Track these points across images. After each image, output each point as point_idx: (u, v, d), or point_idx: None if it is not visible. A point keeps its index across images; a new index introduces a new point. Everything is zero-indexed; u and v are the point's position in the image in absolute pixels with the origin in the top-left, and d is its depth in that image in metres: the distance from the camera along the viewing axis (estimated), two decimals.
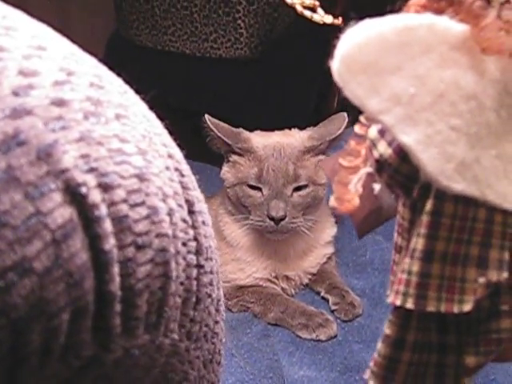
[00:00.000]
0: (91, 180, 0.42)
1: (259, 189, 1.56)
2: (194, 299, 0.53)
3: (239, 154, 1.59)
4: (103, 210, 0.42)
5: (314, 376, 1.43)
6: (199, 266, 0.53)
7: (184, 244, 0.50)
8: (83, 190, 0.41)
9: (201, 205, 0.56)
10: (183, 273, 0.50)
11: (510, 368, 1.53)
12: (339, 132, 1.57)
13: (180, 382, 0.55)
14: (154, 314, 0.47)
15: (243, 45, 2.37)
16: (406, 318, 0.61)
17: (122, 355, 0.46)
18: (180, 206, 0.51)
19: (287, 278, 1.64)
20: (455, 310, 0.59)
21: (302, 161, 1.57)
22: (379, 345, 0.63)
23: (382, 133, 0.61)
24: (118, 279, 0.43)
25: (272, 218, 1.52)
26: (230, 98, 2.36)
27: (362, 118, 0.65)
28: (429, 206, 0.60)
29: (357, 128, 0.65)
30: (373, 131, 0.62)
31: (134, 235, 0.44)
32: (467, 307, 0.59)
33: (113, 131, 0.46)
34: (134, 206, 0.45)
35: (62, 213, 0.40)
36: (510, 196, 0.59)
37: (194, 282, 0.52)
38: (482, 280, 0.59)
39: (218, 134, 1.57)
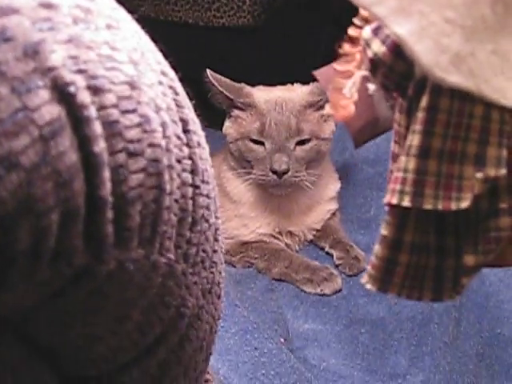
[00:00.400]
0: (80, 80, 0.42)
1: (262, 143, 1.55)
2: (189, 219, 0.52)
3: (241, 109, 1.58)
4: (92, 111, 0.42)
5: (319, 329, 1.43)
6: (195, 187, 0.53)
7: (178, 161, 0.50)
8: (71, 89, 0.41)
9: (196, 126, 0.56)
10: (178, 190, 0.50)
11: None
12: None
13: (178, 308, 0.55)
14: (148, 228, 0.47)
15: (246, 13, 2.35)
16: (402, 218, 0.60)
17: (115, 268, 0.45)
18: (174, 121, 0.51)
19: (291, 233, 1.63)
20: (453, 207, 0.58)
21: (305, 115, 1.56)
22: (376, 247, 0.62)
23: (375, 32, 0.60)
24: (109, 184, 0.42)
25: (275, 172, 1.51)
26: (233, 66, 2.34)
27: (356, 20, 0.64)
28: (424, 101, 0.59)
29: (351, 30, 0.64)
30: (366, 31, 0.61)
31: (125, 141, 0.44)
32: (465, 204, 0.58)
33: (103, 38, 0.46)
34: (125, 112, 0.44)
35: (49, 110, 0.40)
36: (507, 92, 0.58)
37: (190, 202, 0.52)
38: (479, 175, 0.58)
39: (220, 89, 1.56)
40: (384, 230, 0.61)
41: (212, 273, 0.61)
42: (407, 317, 1.46)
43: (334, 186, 1.69)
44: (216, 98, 1.60)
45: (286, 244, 1.62)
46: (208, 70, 1.56)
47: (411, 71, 0.59)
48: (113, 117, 0.43)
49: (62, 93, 0.40)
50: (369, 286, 0.62)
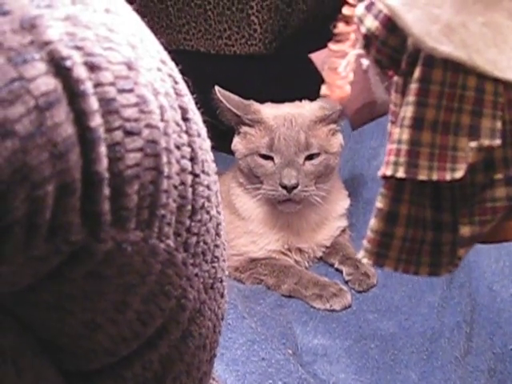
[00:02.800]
0: (77, 56, 0.43)
1: (271, 158, 1.55)
2: (189, 207, 0.53)
3: (249, 125, 1.59)
4: (89, 86, 0.43)
5: (329, 344, 1.42)
6: (195, 175, 0.53)
7: (177, 147, 0.51)
8: (68, 63, 0.42)
9: (197, 118, 0.56)
10: (177, 176, 0.50)
11: None
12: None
13: (179, 299, 0.55)
14: (146, 211, 0.47)
15: (257, 41, 2.37)
16: (398, 191, 0.61)
17: (113, 249, 0.46)
18: (173, 108, 0.51)
19: (300, 250, 1.63)
20: (447, 177, 0.58)
21: (314, 130, 1.57)
22: (372, 221, 0.62)
23: (368, 8, 0.61)
24: (105, 161, 0.43)
25: (284, 187, 1.51)
26: (244, 94, 2.36)
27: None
28: (417, 73, 0.59)
29: (345, 9, 0.65)
30: (360, 8, 0.62)
31: (122, 120, 0.45)
32: (459, 174, 0.58)
33: (101, 20, 0.47)
34: (121, 91, 0.45)
35: (45, 81, 0.40)
36: (499, 64, 0.58)
37: (190, 190, 0.52)
38: (473, 144, 0.58)
39: (228, 106, 1.57)
40: (379, 203, 0.61)
41: (214, 267, 0.61)
42: (417, 332, 1.44)
43: (343, 203, 1.69)
44: (224, 114, 1.61)
45: (296, 261, 1.62)
46: (216, 87, 1.57)
47: (404, 44, 0.60)
48: (109, 94, 0.44)
49: (58, 66, 0.41)
50: (365, 261, 0.62)
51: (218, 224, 0.62)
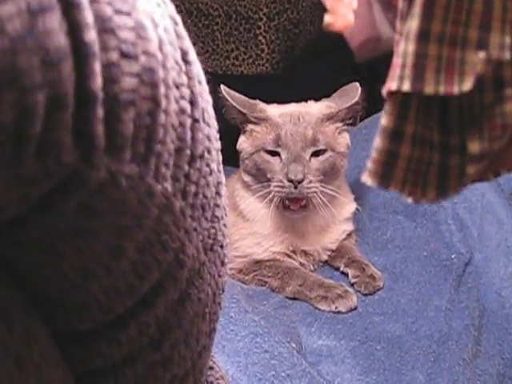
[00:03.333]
0: None
1: (277, 154, 1.54)
2: (188, 152, 0.52)
3: (255, 123, 1.59)
4: (84, 0, 0.42)
5: (334, 345, 1.39)
6: (194, 120, 0.52)
7: (176, 86, 0.50)
8: None
9: (197, 65, 0.56)
10: (176, 117, 0.49)
11: None
12: (355, 100, 1.56)
13: (177, 254, 0.54)
14: (143, 144, 0.46)
15: (265, 61, 2.38)
16: (403, 107, 0.59)
17: (106, 179, 0.44)
18: (172, 45, 0.50)
19: (305, 253, 1.60)
20: (455, 90, 0.57)
21: (321, 127, 1.56)
22: (376, 140, 0.60)
23: None
24: (99, 79, 0.42)
25: (291, 181, 1.48)
26: None
27: None
28: None
29: None
30: None
31: (118, 40, 0.44)
32: (467, 86, 0.57)
33: None
34: (118, 12, 0.44)
35: None
36: None
37: (189, 133, 0.51)
38: (482, 55, 0.57)
39: (233, 104, 1.57)
40: (384, 121, 0.59)
41: (214, 228, 0.60)
42: (424, 335, 1.42)
43: (349, 207, 1.67)
44: (230, 113, 1.60)
45: (301, 263, 1.59)
46: (222, 86, 1.57)
47: None
48: (105, 13, 0.43)
49: None
50: (369, 182, 0.60)
51: (219, 183, 0.61)
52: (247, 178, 1.60)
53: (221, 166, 0.61)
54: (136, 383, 0.59)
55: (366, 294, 1.51)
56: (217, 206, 0.60)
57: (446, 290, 1.51)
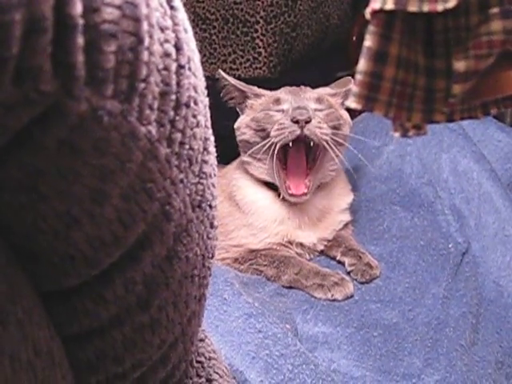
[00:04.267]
0: None
1: (280, 110, 1.51)
2: (173, 97, 0.51)
3: (255, 98, 1.60)
4: None
5: (330, 332, 1.37)
6: (180, 66, 0.52)
7: (161, 29, 0.49)
8: None
9: (183, 13, 0.55)
10: (160, 59, 0.49)
11: None
12: (350, 86, 1.56)
13: (163, 205, 0.53)
14: (125, 81, 0.46)
15: (262, 64, 2.39)
16: (387, 27, 0.58)
17: (88, 114, 0.44)
18: None
19: (301, 244, 1.59)
20: (439, 7, 0.56)
21: (322, 100, 1.56)
22: (360, 62, 0.59)
23: None
24: (80, 6, 0.42)
25: (296, 121, 1.44)
26: None
27: None
28: None
29: None
30: None
31: None
32: (451, 4, 0.56)
33: None
34: None
35: None
36: None
37: (174, 78, 0.51)
38: None
39: (233, 82, 1.59)
40: (367, 41, 0.58)
41: (202, 184, 0.59)
42: (422, 322, 1.40)
43: (346, 198, 1.66)
44: (229, 92, 1.61)
45: (297, 253, 1.57)
46: (219, 70, 1.57)
47: None
48: None
49: None
50: (353, 105, 0.59)
51: (207, 139, 0.60)
52: (245, 154, 1.58)
53: (209, 123, 0.60)
54: (124, 347, 0.58)
55: (362, 283, 1.50)
56: (204, 161, 0.59)
57: (443, 278, 1.50)
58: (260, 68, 2.39)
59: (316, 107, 1.52)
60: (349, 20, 2.68)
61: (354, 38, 2.48)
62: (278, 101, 1.53)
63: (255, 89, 1.61)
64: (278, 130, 1.46)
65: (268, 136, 1.49)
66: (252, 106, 1.59)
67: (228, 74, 2.39)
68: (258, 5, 2.31)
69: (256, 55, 2.37)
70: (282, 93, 1.57)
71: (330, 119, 1.52)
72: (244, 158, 1.59)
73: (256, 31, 2.36)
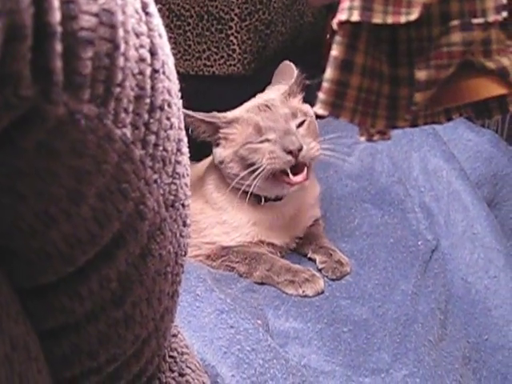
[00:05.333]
0: None
1: (265, 140, 1.49)
2: (148, 101, 0.52)
3: (227, 127, 1.55)
4: None
5: (300, 327, 1.39)
6: (154, 70, 0.53)
7: (136, 34, 0.51)
8: None
9: (158, 19, 0.56)
10: (135, 64, 0.50)
11: (504, 328, 1.49)
12: (296, 72, 1.62)
13: (137, 204, 0.54)
14: (102, 86, 0.47)
15: (236, 61, 2.39)
16: (353, 38, 0.60)
17: (65, 117, 0.45)
18: None
19: (272, 244, 1.60)
20: (402, 20, 0.58)
21: (288, 103, 1.56)
22: (327, 70, 0.61)
23: None
24: (58, 14, 0.43)
25: (290, 152, 1.44)
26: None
27: None
28: None
29: None
30: None
31: None
32: (414, 16, 0.58)
33: None
34: None
35: None
36: None
37: (149, 82, 0.52)
38: None
39: (199, 117, 1.52)
40: (334, 51, 0.60)
41: (175, 184, 0.60)
42: (391, 318, 1.42)
43: (314, 192, 1.67)
44: (198, 129, 1.54)
45: (268, 251, 1.59)
46: (183, 110, 1.55)
47: None
48: None
49: None
50: (320, 112, 0.61)
51: (180, 140, 0.61)
52: (229, 180, 1.55)
53: (182, 124, 0.62)
54: (99, 342, 0.59)
55: (333, 279, 1.52)
56: (178, 162, 0.60)
57: (412, 275, 1.52)
58: (234, 65, 2.39)
59: (296, 123, 1.52)
60: (323, 18, 2.69)
61: (328, 36, 2.50)
62: (259, 130, 1.51)
63: (224, 116, 1.57)
64: (271, 158, 1.45)
65: (255, 169, 1.47)
66: (228, 136, 1.55)
67: (202, 70, 2.42)
68: (233, 2, 2.31)
69: (230, 52, 2.38)
70: (258, 117, 1.53)
71: (312, 129, 1.54)
72: (232, 184, 1.54)
73: (230, 28, 2.36)
